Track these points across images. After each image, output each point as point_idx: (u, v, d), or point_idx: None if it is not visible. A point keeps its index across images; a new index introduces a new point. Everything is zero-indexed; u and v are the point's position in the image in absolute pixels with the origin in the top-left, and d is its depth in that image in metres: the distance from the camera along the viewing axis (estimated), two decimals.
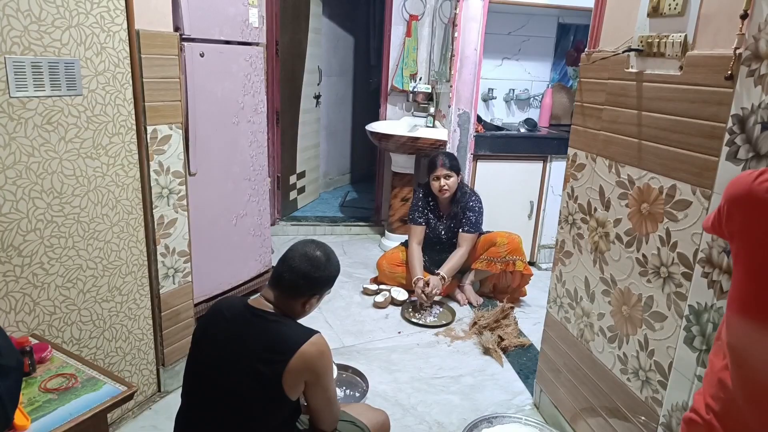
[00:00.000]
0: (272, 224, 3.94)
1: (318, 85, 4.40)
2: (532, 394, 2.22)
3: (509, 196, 3.55)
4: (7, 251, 1.47)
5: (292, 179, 4.17)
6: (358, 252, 3.77)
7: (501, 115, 3.99)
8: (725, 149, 1.20)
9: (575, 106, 1.82)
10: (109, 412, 1.30)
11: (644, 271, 1.48)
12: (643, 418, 1.49)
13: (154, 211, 1.92)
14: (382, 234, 3.95)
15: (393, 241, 3.70)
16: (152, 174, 1.89)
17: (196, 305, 2.50)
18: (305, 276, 1.53)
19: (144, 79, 1.78)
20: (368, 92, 5.08)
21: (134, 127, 1.79)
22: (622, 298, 1.59)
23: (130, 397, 1.32)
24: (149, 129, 1.84)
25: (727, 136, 1.19)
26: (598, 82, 1.68)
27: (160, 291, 2.01)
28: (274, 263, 1.63)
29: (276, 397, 1.44)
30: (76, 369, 1.38)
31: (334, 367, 2.12)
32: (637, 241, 1.51)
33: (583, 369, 1.80)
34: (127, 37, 1.71)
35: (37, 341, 1.49)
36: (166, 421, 1.91)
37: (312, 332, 1.51)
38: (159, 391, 2.10)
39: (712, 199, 1.25)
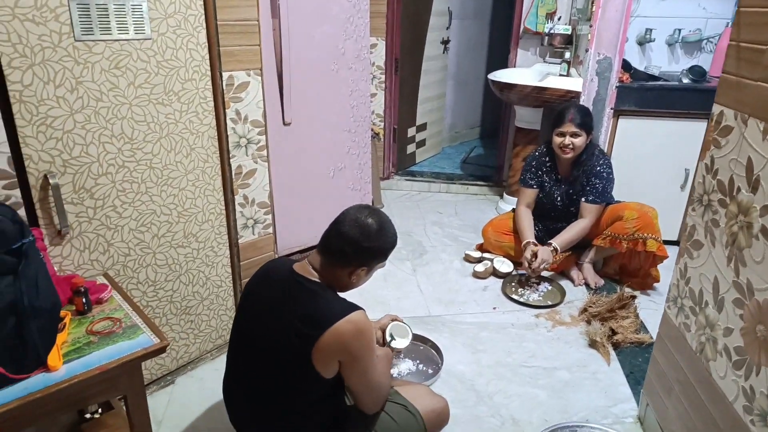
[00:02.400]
0: (386, 178, 3.83)
1: (447, 29, 4.06)
2: (638, 405, 1.84)
3: (657, 162, 2.96)
4: (78, 193, 1.53)
5: (411, 132, 3.98)
6: (471, 214, 3.49)
7: (661, 61, 3.31)
8: None
9: (729, 46, 1.34)
10: (144, 361, 1.31)
11: None
12: None
13: (231, 160, 1.89)
14: (501, 196, 3.62)
15: (511, 204, 3.36)
16: (229, 122, 1.84)
17: (288, 256, 2.51)
18: (353, 243, 1.37)
19: (218, 22, 1.70)
20: (509, 36, 4.59)
21: (209, 72, 1.74)
22: (759, 314, 1.16)
23: (162, 350, 1.31)
24: (225, 75, 1.78)
25: None
26: (767, 12, 1.20)
27: (239, 240, 2.02)
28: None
29: (308, 372, 1.33)
30: (125, 314, 1.41)
31: (409, 337, 1.94)
32: None
33: (698, 392, 1.41)
34: None
35: (105, 281, 1.56)
36: None
37: (352, 308, 1.35)
38: None
39: None
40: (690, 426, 1.45)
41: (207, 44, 1.71)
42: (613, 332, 2.17)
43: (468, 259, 2.85)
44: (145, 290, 1.78)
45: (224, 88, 1.79)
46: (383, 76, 3.50)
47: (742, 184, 1.25)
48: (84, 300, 1.39)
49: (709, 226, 1.40)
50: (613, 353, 2.13)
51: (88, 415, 1.65)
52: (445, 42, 4.09)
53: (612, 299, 2.29)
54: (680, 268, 1.55)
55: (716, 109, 1.38)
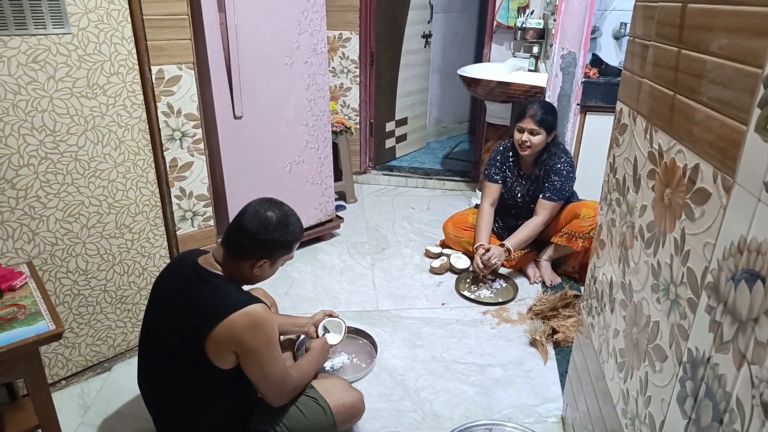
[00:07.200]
0: (363, 172, 3.84)
1: (428, 23, 4.03)
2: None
3: None
4: None
5: (390, 126, 3.97)
6: (443, 209, 3.47)
7: None
8: (756, 111, 0.72)
9: (628, 42, 1.31)
10: (38, 346, 1.34)
11: (656, 285, 1.03)
12: None
13: (165, 153, 1.92)
14: (475, 191, 3.59)
15: None
16: (161, 116, 1.87)
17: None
18: (251, 236, 1.39)
19: (144, 17, 1.73)
20: None
21: (136, 66, 1.77)
22: (634, 316, 1.14)
23: (56, 337, 1.34)
24: (154, 69, 1.81)
25: (762, 90, 0.70)
26: (650, 5, 1.16)
27: (177, 232, 2.05)
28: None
29: (202, 363, 1.36)
30: (32, 302, 1.45)
31: (343, 332, 1.95)
32: (655, 241, 1.05)
33: (596, 393, 1.39)
34: None
35: (24, 269, 1.60)
36: None
37: (250, 301, 1.37)
38: None
39: (733, 192, 0.77)
40: (589, 428, 1.43)
41: (133, 38, 1.74)
42: (554, 331, 2.15)
43: (428, 254, 2.84)
44: (76, 279, 1.82)
45: (154, 82, 1.82)
46: (357, 71, 3.50)
47: (630, 184, 1.23)
48: None
49: (609, 225, 1.37)
50: (552, 352, 2.11)
51: None
52: (427, 36, 4.06)
53: (556, 297, 2.26)
54: (591, 267, 1.53)
55: (618, 106, 1.36)
